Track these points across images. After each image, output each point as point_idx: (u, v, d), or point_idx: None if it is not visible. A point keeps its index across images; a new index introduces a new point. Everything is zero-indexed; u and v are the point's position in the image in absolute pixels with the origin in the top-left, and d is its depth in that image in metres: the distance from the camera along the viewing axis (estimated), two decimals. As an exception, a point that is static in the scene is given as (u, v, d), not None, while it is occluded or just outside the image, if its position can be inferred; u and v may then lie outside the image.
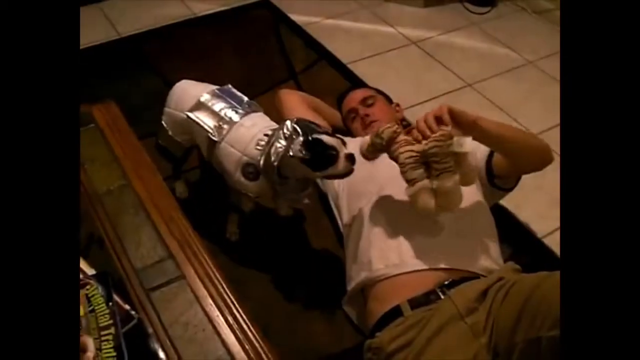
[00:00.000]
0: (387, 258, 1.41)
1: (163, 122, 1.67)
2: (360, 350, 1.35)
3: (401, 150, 1.33)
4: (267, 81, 2.29)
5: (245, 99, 1.62)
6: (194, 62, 2.43)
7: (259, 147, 1.48)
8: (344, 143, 1.42)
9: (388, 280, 1.39)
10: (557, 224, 1.76)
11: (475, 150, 1.68)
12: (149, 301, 1.06)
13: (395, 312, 1.33)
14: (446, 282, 1.34)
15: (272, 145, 1.42)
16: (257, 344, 1.03)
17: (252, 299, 1.50)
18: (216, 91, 1.61)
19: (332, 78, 2.35)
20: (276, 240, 1.75)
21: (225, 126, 1.54)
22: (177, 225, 1.21)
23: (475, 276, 1.37)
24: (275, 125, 1.52)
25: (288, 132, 1.41)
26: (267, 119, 1.61)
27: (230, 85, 1.66)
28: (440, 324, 1.25)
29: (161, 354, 1.00)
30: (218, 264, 1.15)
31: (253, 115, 1.59)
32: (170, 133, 1.66)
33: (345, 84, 2.29)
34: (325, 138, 1.37)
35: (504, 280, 1.29)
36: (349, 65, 2.42)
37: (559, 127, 2.12)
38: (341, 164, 1.37)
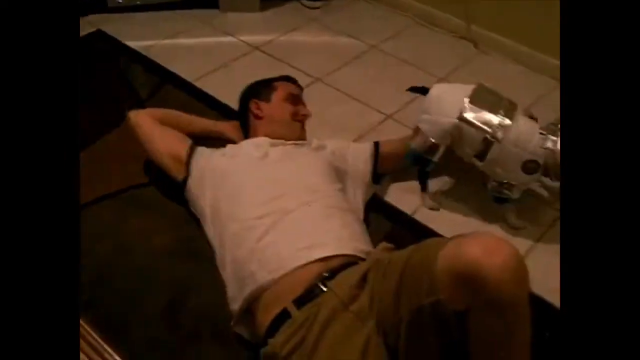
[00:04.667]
0: (267, 265, 1.45)
1: (423, 129, 1.79)
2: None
3: None
4: (115, 115, 2.26)
5: (504, 96, 1.81)
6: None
7: (543, 147, 1.69)
8: None
9: (271, 288, 1.43)
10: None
11: (355, 147, 1.93)
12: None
13: (283, 316, 1.38)
14: (326, 274, 1.40)
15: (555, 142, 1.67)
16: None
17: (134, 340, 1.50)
18: (476, 91, 1.77)
19: (181, 99, 2.35)
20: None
21: (501, 127, 1.71)
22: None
23: (353, 261, 1.45)
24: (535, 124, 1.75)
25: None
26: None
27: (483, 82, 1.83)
28: (326, 318, 1.31)
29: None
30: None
31: (517, 114, 1.76)
32: (433, 140, 1.77)
33: (196, 103, 2.31)
34: None
35: (380, 261, 1.37)
36: (195, 83, 2.44)
37: (411, 105, 2.25)
38: None
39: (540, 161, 1.70)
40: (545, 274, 1.42)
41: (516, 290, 1.15)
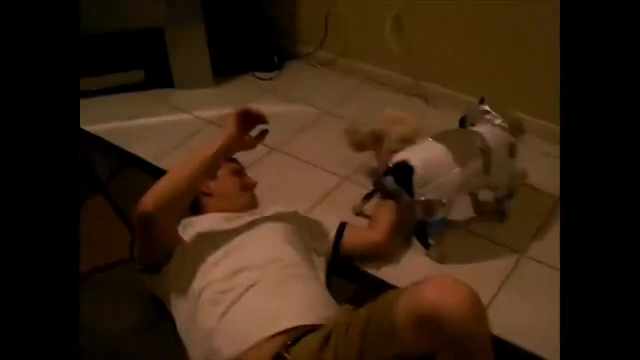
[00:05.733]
0: (233, 339, 1.48)
1: (435, 198, 1.87)
2: None
3: None
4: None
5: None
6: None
7: None
8: None
9: None
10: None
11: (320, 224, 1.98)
12: None
13: (251, 388, 1.39)
14: (290, 342, 1.43)
15: None
16: None
17: None
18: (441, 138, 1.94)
19: (141, 180, 2.39)
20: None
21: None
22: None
23: (317, 327, 1.47)
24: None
25: None
26: None
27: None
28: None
29: None
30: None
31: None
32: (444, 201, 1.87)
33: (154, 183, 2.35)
34: None
35: (341, 325, 1.41)
36: (155, 163, 2.49)
37: (366, 167, 2.33)
38: None
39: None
40: (510, 318, 1.47)
41: (476, 326, 1.23)
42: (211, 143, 1.65)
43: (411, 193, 1.84)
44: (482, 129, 1.99)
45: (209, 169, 1.67)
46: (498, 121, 2.02)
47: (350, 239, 1.96)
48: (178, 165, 1.71)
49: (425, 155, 1.88)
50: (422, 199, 1.85)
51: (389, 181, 1.87)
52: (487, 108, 2.05)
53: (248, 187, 1.98)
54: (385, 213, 2.02)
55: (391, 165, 1.87)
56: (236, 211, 1.86)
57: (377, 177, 1.99)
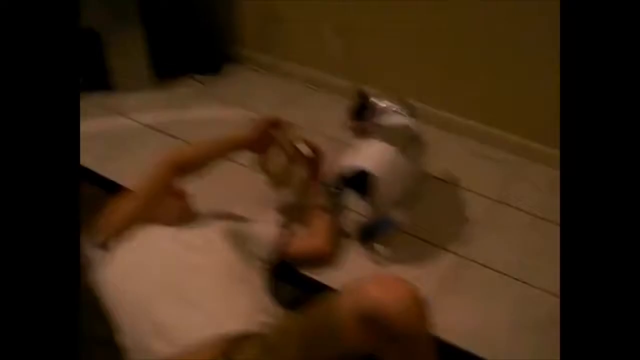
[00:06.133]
0: (170, 338, 1.45)
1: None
2: None
3: None
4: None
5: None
6: None
7: None
8: None
9: None
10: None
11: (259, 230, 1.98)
12: None
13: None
14: (230, 346, 1.43)
15: None
16: None
17: None
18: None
19: (84, 189, 2.35)
20: None
21: None
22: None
23: (257, 333, 1.48)
24: None
25: None
26: None
27: None
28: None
29: None
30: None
31: None
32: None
33: (99, 190, 2.32)
34: None
35: (283, 326, 1.45)
36: (95, 169, 2.44)
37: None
38: None
39: None
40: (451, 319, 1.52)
41: (417, 323, 1.28)
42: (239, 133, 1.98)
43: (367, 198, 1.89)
44: (389, 119, 2.05)
45: (232, 149, 1.99)
46: (394, 108, 2.09)
47: (295, 246, 1.99)
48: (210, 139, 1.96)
49: (377, 159, 1.92)
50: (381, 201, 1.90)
51: (350, 194, 1.91)
52: (377, 100, 2.12)
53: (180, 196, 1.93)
54: (323, 222, 2.06)
55: (347, 176, 1.90)
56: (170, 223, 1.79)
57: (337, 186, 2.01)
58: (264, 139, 2.00)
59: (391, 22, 2.68)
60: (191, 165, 1.86)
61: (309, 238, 2.07)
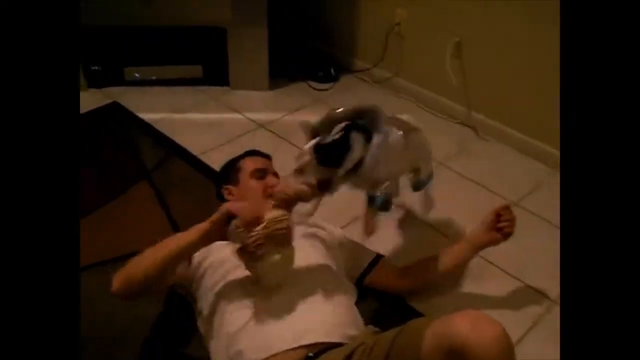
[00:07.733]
0: (256, 345, 1.49)
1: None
2: None
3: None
4: (119, 185, 2.39)
5: None
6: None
7: None
8: None
9: None
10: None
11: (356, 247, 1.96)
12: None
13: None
14: (311, 354, 1.45)
15: None
16: None
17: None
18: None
19: (185, 172, 2.47)
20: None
21: None
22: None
23: (339, 344, 1.48)
24: None
25: None
26: None
27: None
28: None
29: None
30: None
31: None
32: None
33: (199, 177, 2.44)
34: None
35: (365, 344, 1.42)
36: (200, 157, 2.56)
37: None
38: None
39: None
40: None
41: None
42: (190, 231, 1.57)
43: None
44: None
45: (183, 253, 1.60)
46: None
47: (378, 277, 1.95)
48: (156, 246, 1.60)
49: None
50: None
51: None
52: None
53: (270, 191, 1.81)
54: (426, 270, 1.98)
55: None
56: None
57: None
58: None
59: (510, 51, 2.64)
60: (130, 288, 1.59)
61: (400, 274, 1.99)
